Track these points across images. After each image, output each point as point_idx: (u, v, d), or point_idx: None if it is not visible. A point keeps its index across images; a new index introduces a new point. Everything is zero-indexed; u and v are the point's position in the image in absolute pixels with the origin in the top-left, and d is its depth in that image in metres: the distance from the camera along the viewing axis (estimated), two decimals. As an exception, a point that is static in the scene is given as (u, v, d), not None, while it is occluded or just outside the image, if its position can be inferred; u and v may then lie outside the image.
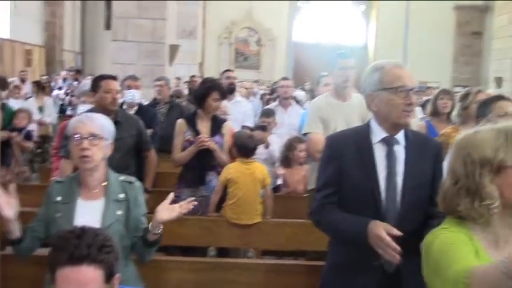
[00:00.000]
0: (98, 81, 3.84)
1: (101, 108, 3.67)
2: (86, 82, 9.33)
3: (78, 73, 12.97)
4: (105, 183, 2.27)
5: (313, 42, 19.68)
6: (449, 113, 4.65)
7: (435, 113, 4.75)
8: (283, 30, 17.66)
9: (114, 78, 3.95)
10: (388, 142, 2.12)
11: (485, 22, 18.67)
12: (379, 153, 2.12)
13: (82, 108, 5.48)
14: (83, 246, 1.46)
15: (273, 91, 9.82)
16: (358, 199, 2.10)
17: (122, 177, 2.35)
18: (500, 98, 3.00)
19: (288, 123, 5.34)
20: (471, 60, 19.25)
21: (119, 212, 2.24)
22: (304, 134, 3.85)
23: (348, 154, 2.13)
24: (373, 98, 2.13)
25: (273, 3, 17.74)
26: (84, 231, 1.52)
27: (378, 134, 2.14)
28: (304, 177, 4.46)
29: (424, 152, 2.16)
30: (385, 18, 18.41)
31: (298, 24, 18.84)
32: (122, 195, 2.27)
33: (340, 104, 3.69)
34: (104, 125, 2.26)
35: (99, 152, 2.21)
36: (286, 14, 17.33)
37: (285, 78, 5.93)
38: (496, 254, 1.42)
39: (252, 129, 4.93)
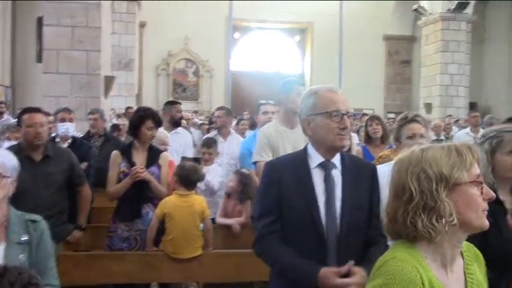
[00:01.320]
0: (21, 115, 3.66)
1: (26, 143, 3.49)
2: (9, 117, 8.91)
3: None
4: (6, 223, 2.08)
5: (251, 71, 19.94)
6: (382, 137, 4.80)
7: (368, 139, 4.89)
8: (221, 61, 17.72)
9: (38, 110, 3.71)
10: (325, 167, 2.13)
11: (413, 51, 19.60)
12: (317, 178, 2.11)
13: (6, 144, 5.20)
14: (6, 285, 1.36)
15: (211, 121, 9.80)
16: (299, 225, 2.07)
17: (26, 216, 2.16)
18: (410, 121, 3.13)
19: (227, 152, 5.30)
20: (402, 87, 20.08)
21: (22, 256, 2.05)
22: (254, 163, 3.81)
23: (286, 180, 2.11)
24: (309, 123, 2.14)
25: (209, 34, 17.88)
26: (6, 269, 1.42)
27: (315, 158, 2.14)
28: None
29: (360, 175, 2.18)
30: (319, 48, 18.97)
31: (235, 54, 19.03)
32: (24, 237, 2.08)
33: (289, 131, 3.69)
34: (3, 161, 2.09)
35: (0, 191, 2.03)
36: (222, 45, 17.44)
37: (220, 108, 5.90)
38: (444, 274, 1.41)
39: (193, 160, 4.84)
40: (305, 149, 2.20)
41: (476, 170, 1.42)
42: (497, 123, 9.24)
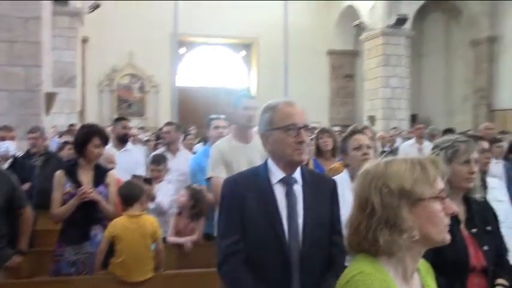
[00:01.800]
0: None
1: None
2: None
3: None
4: None
5: (197, 87, 19.86)
6: (332, 150, 4.83)
7: (319, 152, 4.91)
8: (166, 76, 17.56)
9: None
10: (287, 182, 2.10)
11: (356, 65, 20.13)
12: (279, 194, 2.08)
13: None
14: None
15: (158, 137, 9.61)
16: (262, 242, 2.03)
17: None
18: (355, 132, 3.19)
19: (176, 168, 5.17)
20: (346, 101, 20.54)
21: None
22: (208, 179, 3.73)
23: (248, 196, 2.07)
24: (267, 138, 2.13)
25: (154, 49, 17.67)
26: None
27: (276, 174, 2.11)
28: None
29: (321, 190, 2.16)
30: (265, 63, 19.16)
31: (181, 70, 18.90)
32: None
33: (243, 146, 3.63)
34: None
35: None
36: (168, 60, 17.29)
37: (169, 124, 5.77)
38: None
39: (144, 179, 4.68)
40: (265, 164, 2.16)
41: (440, 184, 1.41)
42: (438, 134, 9.58)
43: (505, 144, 6.21)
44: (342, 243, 2.13)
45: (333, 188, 2.21)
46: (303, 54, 18.54)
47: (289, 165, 2.10)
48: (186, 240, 4.30)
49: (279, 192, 2.08)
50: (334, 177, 3.09)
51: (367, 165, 1.48)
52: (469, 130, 10.85)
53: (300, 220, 2.05)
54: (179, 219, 4.47)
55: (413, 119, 16.69)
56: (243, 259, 2.03)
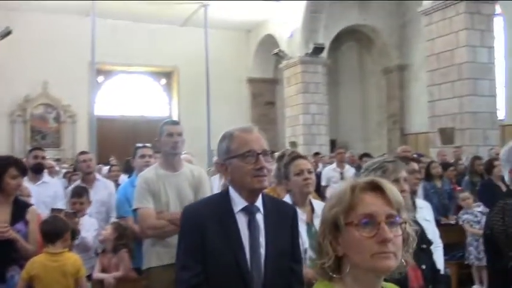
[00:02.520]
0: None
1: None
2: None
3: None
4: None
5: (117, 116, 19.36)
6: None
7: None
8: (84, 106, 16.99)
9: None
10: (250, 211, 2.04)
11: (277, 92, 20.55)
12: (242, 223, 2.02)
13: None
14: None
15: (75, 168, 9.18)
16: (225, 273, 1.95)
17: None
18: (296, 157, 3.22)
19: (96, 199, 4.89)
20: (268, 127, 20.77)
21: None
22: (134, 210, 3.55)
23: (209, 226, 1.98)
24: (226, 167, 2.07)
25: (70, 78, 17.04)
26: None
27: (238, 202, 2.04)
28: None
29: (281, 218, 2.12)
30: (186, 91, 19.09)
31: (99, 99, 18.34)
32: None
33: (171, 175, 3.50)
34: None
35: None
36: (85, 89, 16.76)
37: (83, 152, 5.47)
38: None
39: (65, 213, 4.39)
40: (227, 192, 2.09)
41: (365, 209, 1.32)
42: (356, 158, 9.91)
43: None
44: (300, 272, 2.13)
45: (293, 215, 2.18)
46: (224, 82, 18.69)
47: (250, 194, 2.04)
48: (109, 276, 4.06)
49: (242, 221, 2.02)
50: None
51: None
52: (384, 154, 11.32)
53: (262, 250, 2.00)
54: (103, 256, 4.24)
55: (333, 144, 17.21)
56: None
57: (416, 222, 2.54)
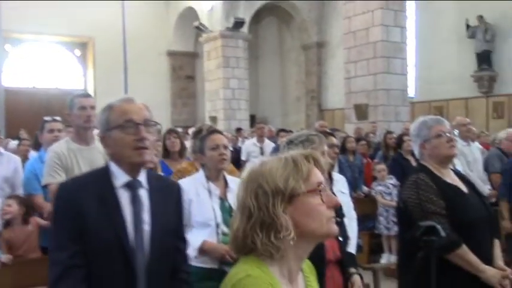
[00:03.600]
0: None
1: None
2: None
3: None
4: None
5: (28, 88, 18.29)
6: (180, 150, 4.75)
7: (166, 153, 4.79)
8: (-10, 76, 15.89)
9: None
10: (132, 186, 1.91)
11: (197, 66, 20.27)
12: (124, 199, 1.89)
13: None
14: None
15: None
16: (105, 254, 1.81)
17: None
18: (212, 132, 3.17)
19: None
20: (187, 102, 20.57)
21: None
22: (45, 186, 3.35)
23: (88, 203, 1.83)
24: (106, 140, 1.93)
25: (-27, 46, 15.83)
26: None
27: (119, 177, 1.91)
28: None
29: (166, 194, 2.02)
30: (103, 63, 18.32)
31: (7, 69, 17.16)
32: None
33: (84, 149, 3.35)
34: None
35: None
36: (-9, 58, 15.66)
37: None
38: None
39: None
40: (107, 166, 1.95)
41: (317, 177, 1.38)
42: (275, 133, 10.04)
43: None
44: (184, 250, 2.08)
45: (178, 192, 2.09)
46: (143, 54, 18.15)
47: (132, 168, 1.91)
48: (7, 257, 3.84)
49: (124, 197, 1.88)
50: (190, 178, 3.03)
51: (248, 169, 1.43)
52: (302, 129, 11.56)
53: (147, 227, 1.89)
54: (10, 232, 4.00)
55: (253, 119, 17.32)
56: (83, 275, 1.80)
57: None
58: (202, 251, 2.79)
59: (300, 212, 1.34)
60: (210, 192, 2.92)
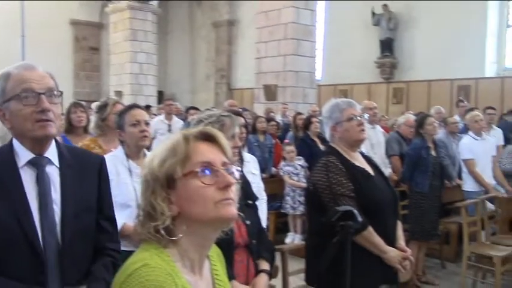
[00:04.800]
0: None
1: None
2: None
3: None
4: None
5: None
6: (85, 126, 4.48)
7: (70, 128, 4.50)
8: None
9: None
10: (37, 164, 1.72)
11: (102, 38, 19.36)
12: (28, 179, 1.70)
13: None
14: None
15: None
16: (7, 241, 1.62)
17: None
18: (133, 107, 3.00)
19: None
20: (91, 75, 19.65)
21: None
22: None
23: None
24: (4, 113, 1.71)
25: None
26: None
27: (22, 155, 1.71)
28: None
29: (84, 169, 1.84)
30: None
31: None
32: None
33: None
34: None
35: None
36: None
37: None
38: (195, 279, 1.27)
39: None
40: (10, 144, 1.74)
41: (203, 157, 1.26)
42: (184, 111, 9.87)
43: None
44: (111, 230, 1.91)
45: (99, 165, 1.91)
46: (43, 23, 16.97)
47: (36, 143, 1.72)
48: None
49: (28, 177, 1.70)
50: (109, 155, 2.81)
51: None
52: (213, 107, 11.47)
53: (57, 208, 1.71)
54: None
55: (160, 95, 16.93)
56: None
57: (243, 176, 2.54)
58: (122, 234, 2.62)
59: (182, 196, 1.24)
60: (130, 171, 2.76)
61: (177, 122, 8.16)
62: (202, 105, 13.78)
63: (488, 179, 6.05)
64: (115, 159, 2.79)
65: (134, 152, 2.85)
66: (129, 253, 2.52)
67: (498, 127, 7.65)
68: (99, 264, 1.79)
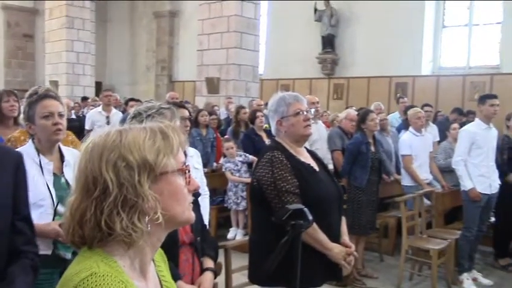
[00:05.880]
0: None
1: None
2: None
3: None
4: None
5: None
6: (16, 117, 4.20)
7: (1, 118, 4.21)
8: None
9: None
10: None
11: (36, 25, 18.51)
12: None
13: None
14: None
15: None
16: None
17: None
18: (45, 96, 2.62)
19: None
20: (25, 63, 18.78)
21: None
22: None
23: None
24: None
25: None
26: None
27: None
28: None
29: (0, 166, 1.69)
30: None
31: None
32: None
33: None
34: None
35: None
36: None
37: None
38: (144, 283, 1.16)
39: None
40: None
41: (182, 156, 1.20)
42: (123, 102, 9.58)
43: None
44: (28, 232, 1.76)
45: (16, 162, 1.77)
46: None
47: None
48: None
49: None
50: (17, 150, 2.59)
51: (91, 137, 1.16)
52: (151, 99, 11.20)
53: None
54: None
55: (98, 86, 16.39)
56: None
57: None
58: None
59: (167, 193, 1.14)
60: (41, 167, 2.46)
61: (115, 114, 7.90)
62: (142, 97, 13.42)
63: (426, 174, 6.24)
64: (24, 155, 2.56)
65: (46, 147, 2.54)
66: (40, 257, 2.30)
67: (436, 124, 7.92)
68: (16, 266, 1.66)
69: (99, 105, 8.81)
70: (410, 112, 6.41)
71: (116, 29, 19.05)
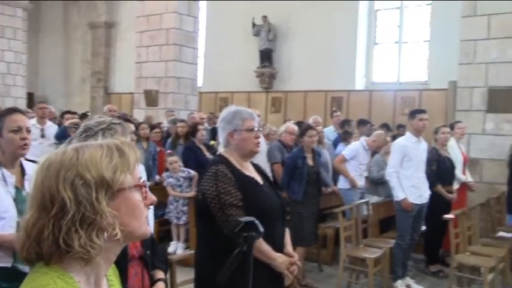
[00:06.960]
0: None
1: None
2: None
3: None
4: None
5: None
6: None
7: None
8: None
9: None
10: None
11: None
12: None
13: None
14: None
15: None
16: None
17: None
18: (14, 111, 2.73)
19: None
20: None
21: None
22: None
23: None
24: None
25: None
26: None
27: None
28: None
29: None
30: None
31: None
32: None
33: None
34: None
35: None
36: None
37: None
38: None
39: None
40: None
41: (138, 172, 1.22)
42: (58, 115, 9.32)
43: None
44: None
45: None
46: None
47: None
48: None
49: None
50: None
51: (47, 155, 1.17)
52: (87, 112, 10.96)
53: None
54: None
55: (30, 97, 15.82)
56: None
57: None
58: None
59: (124, 209, 1.16)
60: (5, 180, 2.52)
61: (50, 127, 7.67)
62: (77, 109, 13.07)
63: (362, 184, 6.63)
64: None
65: (9, 160, 2.60)
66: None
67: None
68: None
69: (32, 118, 8.52)
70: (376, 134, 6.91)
71: (49, 39, 18.49)
